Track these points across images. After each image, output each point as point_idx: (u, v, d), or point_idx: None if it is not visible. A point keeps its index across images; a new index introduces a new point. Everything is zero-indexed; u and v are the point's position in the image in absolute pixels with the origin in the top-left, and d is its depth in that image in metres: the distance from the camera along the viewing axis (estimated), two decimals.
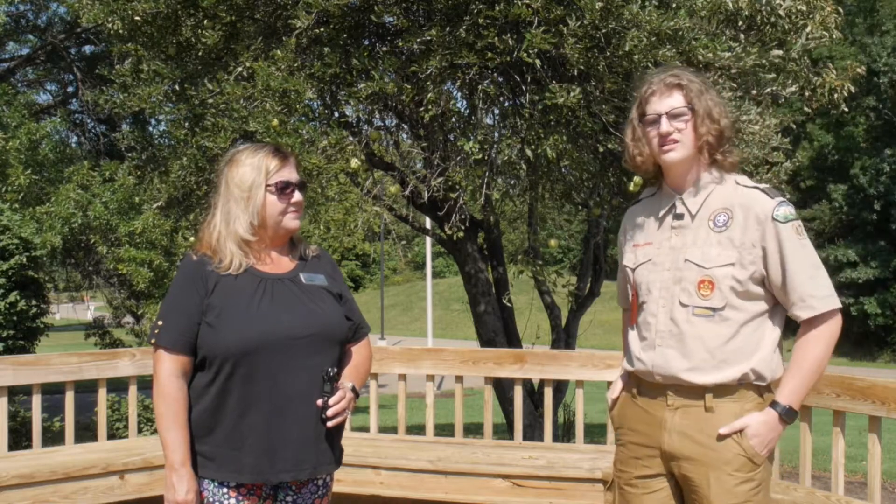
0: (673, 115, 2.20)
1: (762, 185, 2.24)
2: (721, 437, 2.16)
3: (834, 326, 2.17)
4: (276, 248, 2.33)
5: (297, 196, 2.29)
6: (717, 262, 2.17)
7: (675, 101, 2.21)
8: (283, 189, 2.26)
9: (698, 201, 2.24)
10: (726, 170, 2.25)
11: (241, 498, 2.21)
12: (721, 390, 2.17)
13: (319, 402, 2.18)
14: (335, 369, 2.21)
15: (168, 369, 2.19)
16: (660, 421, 2.24)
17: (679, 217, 2.26)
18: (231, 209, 2.25)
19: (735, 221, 2.18)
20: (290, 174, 2.29)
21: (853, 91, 4.62)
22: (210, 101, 4.32)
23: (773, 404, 2.17)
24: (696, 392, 2.19)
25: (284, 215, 2.28)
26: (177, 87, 4.56)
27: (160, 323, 2.22)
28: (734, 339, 2.16)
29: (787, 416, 2.17)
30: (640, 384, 2.31)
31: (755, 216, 2.17)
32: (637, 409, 2.31)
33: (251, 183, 2.24)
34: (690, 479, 2.20)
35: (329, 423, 2.20)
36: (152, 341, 2.22)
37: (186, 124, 4.67)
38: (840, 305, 2.19)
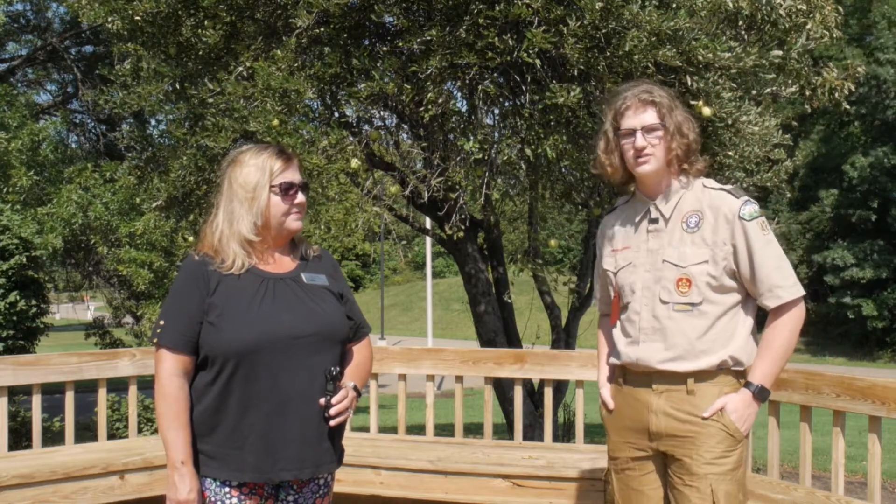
0: (647, 130, 2.39)
1: (727, 187, 2.43)
2: (704, 420, 2.35)
3: (799, 313, 2.38)
4: (278, 249, 2.34)
5: (300, 197, 2.30)
6: (693, 260, 2.36)
7: (650, 117, 2.39)
8: (286, 190, 2.27)
9: (670, 206, 2.43)
10: (693, 175, 2.45)
11: (243, 497, 2.21)
12: (701, 375, 2.37)
13: (322, 401, 2.19)
14: (338, 368, 2.22)
15: (169, 369, 2.19)
16: (646, 404, 2.42)
17: (654, 221, 2.45)
18: (234, 209, 2.26)
19: (706, 222, 2.38)
20: (293, 175, 2.30)
21: (853, 90, 4.62)
22: (210, 100, 4.31)
23: (747, 384, 2.37)
24: (678, 378, 2.38)
25: (287, 216, 2.29)
26: (177, 87, 4.55)
27: (162, 322, 2.23)
28: (711, 331, 2.35)
29: (760, 394, 2.37)
30: (626, 373, 2.49)
31: (723, 216, 2.36)
32: (624, 396, 2.49)
33: (255, 183, 2.25)
34: (675, 454, 2.37)
35: (332, 422, 2.21)
36: (154, 340, 2.23)
37: (186, 124, 4.66)
38: (804, 293, 2.40)
